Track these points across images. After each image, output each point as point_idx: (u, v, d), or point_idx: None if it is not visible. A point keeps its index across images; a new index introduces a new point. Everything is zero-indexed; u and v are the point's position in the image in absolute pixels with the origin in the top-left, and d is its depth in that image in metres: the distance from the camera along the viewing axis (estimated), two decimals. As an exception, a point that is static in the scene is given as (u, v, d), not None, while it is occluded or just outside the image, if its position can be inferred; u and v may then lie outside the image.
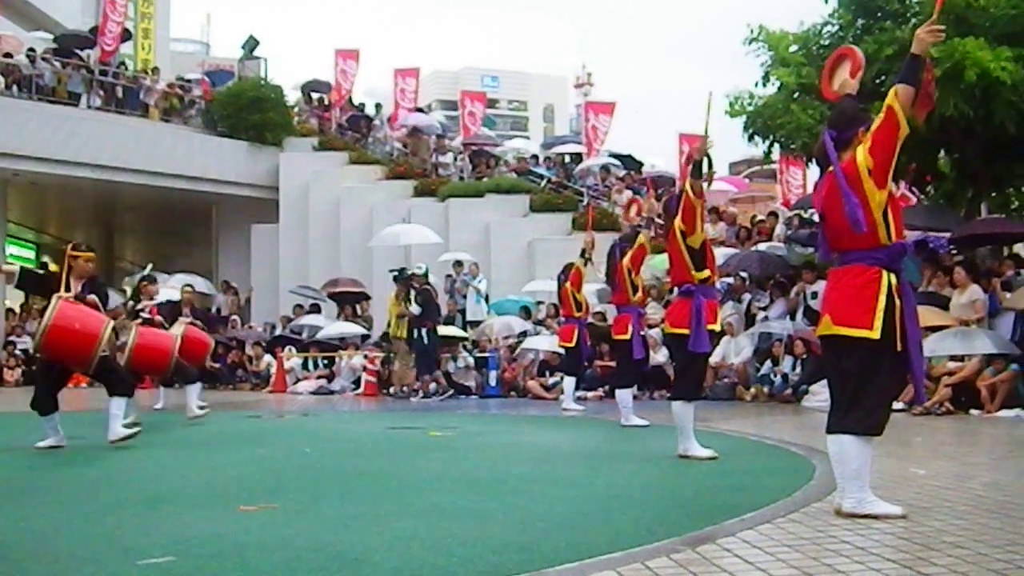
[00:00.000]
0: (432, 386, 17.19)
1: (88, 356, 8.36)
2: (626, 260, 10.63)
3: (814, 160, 5.14)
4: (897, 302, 4.75)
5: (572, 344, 13.31)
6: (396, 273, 17.93)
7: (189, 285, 15.76)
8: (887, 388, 4.82)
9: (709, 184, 7.73)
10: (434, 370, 17.46)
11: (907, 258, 5.01)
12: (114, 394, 8.74)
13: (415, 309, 16.94)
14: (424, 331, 16.91)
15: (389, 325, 18.19)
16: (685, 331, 7.49)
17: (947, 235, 14.87)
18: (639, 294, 10.93)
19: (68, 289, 8.58)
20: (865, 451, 4.76)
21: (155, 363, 11.80)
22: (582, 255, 13.11)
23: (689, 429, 7.48)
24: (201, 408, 12.20)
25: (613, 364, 13.66)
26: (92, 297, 8.63)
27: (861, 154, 4.73)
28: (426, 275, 17.82)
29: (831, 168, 4.88)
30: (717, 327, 8.05)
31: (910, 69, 4.77)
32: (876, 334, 4.69)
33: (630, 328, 10.71)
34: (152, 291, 12.28)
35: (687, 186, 7.51)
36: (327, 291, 23.12)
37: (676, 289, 8.03)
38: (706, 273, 7.62)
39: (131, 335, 11.42)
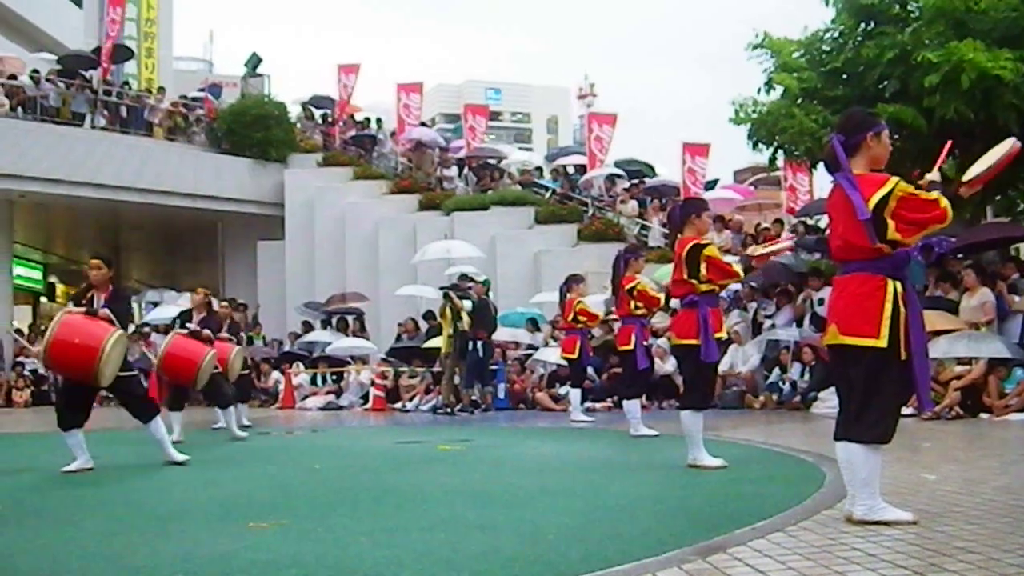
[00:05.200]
0: (475, 398, 16.83)
1: (91, 370, 8.06)
2: (629, 274, 10.66)
3: (824, 165, 5.14)
4: (903, 310, 4.74)
5: (575, 355, 13.33)
6: (446, 289, 17.45)
7: (227, 300, 15.25)
8: (895, 396, 4.81)
9: None
10: (487, 383, 17.13)
11: (912, 261, 5.01)
12: (143, 420, 8.65)
13: (467, 304, 16.45)
14: (479, 343, 16.41)
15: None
16: (693, 341, 7.48)
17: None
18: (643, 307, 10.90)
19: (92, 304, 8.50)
20: (874, 458, 4.75)
21: (183, 372, 11.31)
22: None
23: (698, 438, 7.47)
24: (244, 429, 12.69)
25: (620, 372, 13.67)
26: (104, 311, 8.38)
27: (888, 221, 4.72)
28: (487, 286, 17.46)
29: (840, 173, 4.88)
30: (724, 335, 8.06)
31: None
32: (883, 343, 4.68)
33: (633, 339, 10.71)
34: (197, 300, 12.23)
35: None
36: (335, 305, 23.18)
37: (679, 300, 7.99)
38: (711, 285, 7.62)
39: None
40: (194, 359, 11.08)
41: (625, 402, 11.04)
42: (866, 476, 4.75)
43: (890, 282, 4.76)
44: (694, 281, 7.50)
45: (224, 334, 12.53)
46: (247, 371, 13.80)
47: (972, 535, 4.47)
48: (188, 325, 11.77)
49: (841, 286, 4.96)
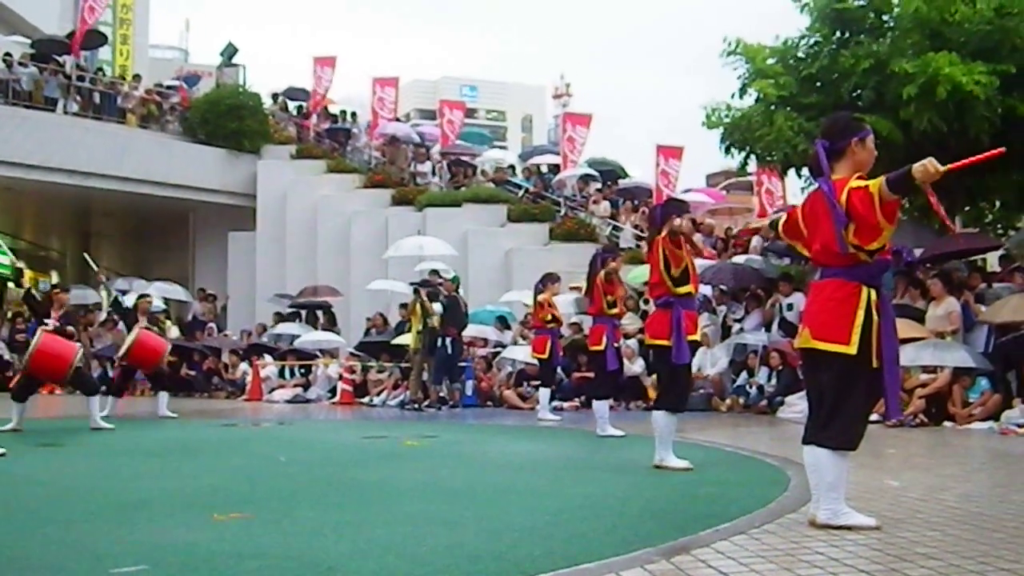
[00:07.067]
0: (443, 394, 16.71)
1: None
2: (601, 274, 10.63)
3: (809, 170, 5.13)
4: (875, 318, 4.74)
5: (545, 355, 13.34)
6: (416, 285, 17.28)
7: (146, 294, 15.76)
8: (863, 403, 4.83)
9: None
10: (455, 379, 17.03)
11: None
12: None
13: (438, 307, 16.36)
14: (448, 340, 16.23)
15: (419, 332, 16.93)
16: (665, 342, 7.47)
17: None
18: (616, 307, 10.91)
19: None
20: (841, 464, 4.78)
21: (55, 370, 11.79)
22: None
23: (668, 440, 7.47)
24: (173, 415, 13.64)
25: (590, 375, 13.70)
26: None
27: (855, 201, 4.64)
28: (456, 283, 17.39)
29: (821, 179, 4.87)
30: (698, 336, 8.06)
31: (903, 184, 4.55)
32: (853, 350, 4.69)
33: (605, 339, 10.71)
34: (63, 299, 12.45)
35: (664, 243, 7.46)
36: (306, 298, 23.10)
37: (653, 301, 8.00)
38: (687, 288, 7.62)
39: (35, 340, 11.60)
40: (66, 356, 11.44)
41: (594, 402, 11.04)
42: (832, 481, 4.77)
43: (864, 289, 4.76)
44: (670, 283, 7.50)
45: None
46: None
47: (933, 541, 4.50)
48: (47, 322, 11.77)
49: (816, 291, 4.97)
